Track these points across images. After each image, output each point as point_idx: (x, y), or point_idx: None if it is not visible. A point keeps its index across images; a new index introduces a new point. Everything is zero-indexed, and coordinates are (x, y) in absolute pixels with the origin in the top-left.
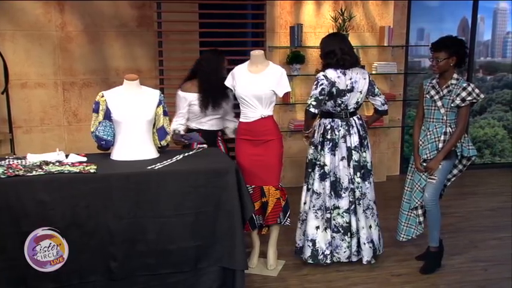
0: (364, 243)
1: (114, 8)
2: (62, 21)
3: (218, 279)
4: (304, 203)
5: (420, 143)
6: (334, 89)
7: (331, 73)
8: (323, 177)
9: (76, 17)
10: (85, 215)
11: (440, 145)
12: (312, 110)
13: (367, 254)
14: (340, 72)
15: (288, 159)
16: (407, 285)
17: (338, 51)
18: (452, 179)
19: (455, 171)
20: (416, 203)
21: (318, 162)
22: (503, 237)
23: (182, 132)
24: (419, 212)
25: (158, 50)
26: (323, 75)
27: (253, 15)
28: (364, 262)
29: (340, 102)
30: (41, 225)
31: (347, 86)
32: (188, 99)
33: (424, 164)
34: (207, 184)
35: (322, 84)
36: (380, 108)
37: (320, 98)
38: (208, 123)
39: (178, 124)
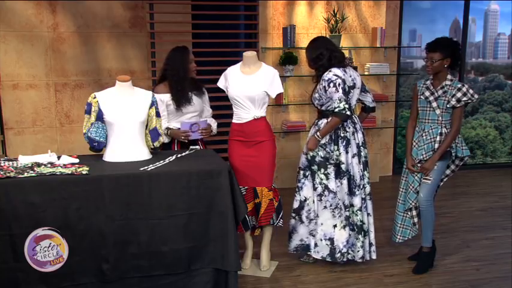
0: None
1: (106, 9)
2: (54, 22)
3: (211, 280)
4: (313, 202)
5: (414, 143)
6: (346, 86)
7: (338, 71)
8: (339, 175)
9: (68, 18)
10: (76, 217)
11: (436, 145)
12: (349, 112)
13: (374, 250)
14: (343, 70)
15: (281, 160)
16: (400, 285)
17: (326, 52)
18: (445, 179)
19: (447, 172)
20: (411, 204)
21: (332, 161)
22: (495, 237)
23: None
24: (414, 213)
25: (151, 51)
26: (334, 75)
27: (245, 16)
28: (374, 257)
29: (347, 99)
30: (32, 228)
31: (350, 83)
32: (164, 100)
33: (419, 165)
34: (200, 185)
35: (339, 84)
36: (371, 105)
37: (347, 98)
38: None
39: (165, 124)
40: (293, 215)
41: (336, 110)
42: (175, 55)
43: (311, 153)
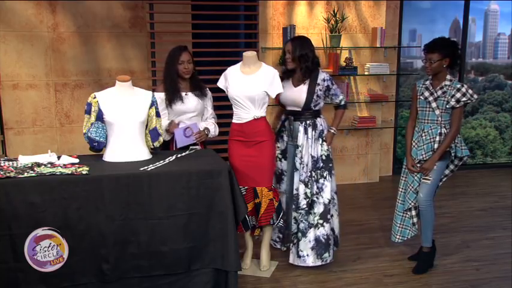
0: None
1: (106, 9)
2: (54, 22)
3: (211, 280)
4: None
5: (414, 144)
6: None
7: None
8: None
9: (68, 18)
10: (76, 217)
11: (436, 146)
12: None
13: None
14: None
15: None
16: (400, 285)
17: (310, 54)
18: (444, 179)
19: (447, 172)
20: (410, 204)
21: (331, 157)
22: (495, 237)
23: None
24: (413, 213)
25: (151, 51)
26: (329, 75)
27: (245, 16)
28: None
29: None
30: (32, 228)
31: None
32: (162, 99)
33: (419, 165)
34: (200, 185)
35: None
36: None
37: None
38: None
39: (166, 122)
40: (320, 221)
41: (343, 102)
42: (168, 54)
43: (325, 152)
